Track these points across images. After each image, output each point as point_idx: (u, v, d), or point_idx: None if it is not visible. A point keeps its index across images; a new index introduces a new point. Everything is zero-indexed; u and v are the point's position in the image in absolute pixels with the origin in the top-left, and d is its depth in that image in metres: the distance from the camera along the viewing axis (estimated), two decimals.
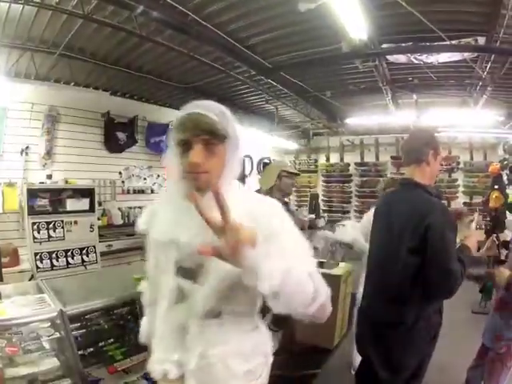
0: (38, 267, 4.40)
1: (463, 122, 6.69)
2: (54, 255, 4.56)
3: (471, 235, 1.96)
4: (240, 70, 5.17)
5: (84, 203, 4.96)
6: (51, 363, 1.82)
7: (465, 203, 8.49)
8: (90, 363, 2.05)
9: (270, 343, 1.25)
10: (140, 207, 6.13)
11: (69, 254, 4.70)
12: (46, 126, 5.10)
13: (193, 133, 1.06)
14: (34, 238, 4.45)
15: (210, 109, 1.10)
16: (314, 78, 5.73)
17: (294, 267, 0.89)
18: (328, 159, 10.44)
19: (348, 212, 10.03)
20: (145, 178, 6.55)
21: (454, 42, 3.91)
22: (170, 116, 6.64)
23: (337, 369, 3.43)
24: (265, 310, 1.21)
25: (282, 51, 4.67)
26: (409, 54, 4.47)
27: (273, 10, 3.62)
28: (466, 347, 2.78)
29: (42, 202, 4.60)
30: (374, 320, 1.93)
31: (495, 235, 3.29)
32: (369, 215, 3.02)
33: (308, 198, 9.91)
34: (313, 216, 8.16)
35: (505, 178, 7.00)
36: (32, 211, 4.49)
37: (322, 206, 10.10)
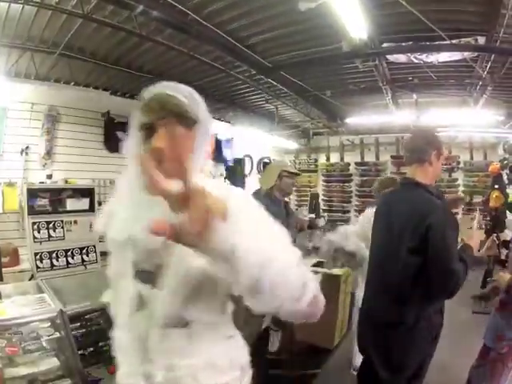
0: (38, 267, 4.40)
1: (463, 122, 6.68)
2: (54, 255, 4.55)
3: (473, 235, 1.96)
4: (240, 70, 5.17)
5: (84, 203, 4.96)
6: (51, 363, 1.83)
7: (465, 203, 8.48)
8: (89, 363, 2.05)
9: (246, 355, 1.11)
10: None
11: (69, 253, 4.70)
12: (45, 125, 5.10)
13: (158, 115, 0.94)
14: (34, 237, 4.45)
15: (178, 90, 0.98)
16: (314, 78, 5.73)
17: (275, 255, 0.74)
18: (328, 159, 10.45)
19: (348, 211, 10.04)
20: None
21: (454, 41, 3.91)
22: None
23: (337, 369, 3.43)
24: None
25: (282, 50, 4.67)
26: (409, 54, 4.47)
27: (273, 10, 3.62)
28: (467, 347, 2.78)
29: (42, 201, 4.60)
30: (375, 320, 1.93)
31: (495, 235, 3.29)
32: (365, 215, 3.02)
33: (308, 198, 9.92)
34: (313, 216, 8.15)
35: (505, 177, 7.00)
36: (32, 211, 4.48)
37: (322, 206, 10.10)
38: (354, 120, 7.61)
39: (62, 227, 4.68)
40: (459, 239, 1.82)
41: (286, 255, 0.80)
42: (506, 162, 7.42)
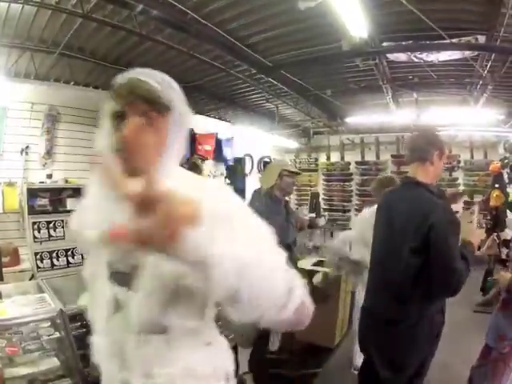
0: (38, 267, 4.39)
1: (464, 121, 6.68)
2: (54, 254, 4.54)
3: (474, 232, 1.95)
4: (240, 69, 5.16)
5: None
6: (51, 363, 1.82)
7: (465, 202, 8.48)
8: (90, 363, 2.05)
9: (231, 363, 1.04)
10: None
11: (69, 253, 4.68)
12: (45, 125, 5.09)
13: (127, 100, 0.88)
14: (35, 237, 4.44)
15: (151, 75, 0.93)
16: (314, 77, 5.72)
17: (256, 261, 0.69)
18: (328, 158, 10.44)
19: (348, 211, 10.03)
20: None
21: (454, 40, 3.91)
22: None
23: (338, 368, 3.43)
24: None
25: (282, 50, 4.66)
26: (409, 53, 4.46)
27: (273, 8, 3.62)
28: (468, 346, 2.78)
29: (42, 201, 4.59)
30: (376, 319, 1.93)
31: (496, 234, 3.29)
32: (363, 215, 3.01)
33: (308, 197, 9.92)
34: (313, 215, 8.16)
35: (505, 176, 6.99)
36: (32, 211, 4.47)
37: (322, 205, 10.10)
38: (355, 119, 7.60)
39: (63, 227, 4.66)
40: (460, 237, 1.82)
41: (270, 260, 0.73)
42: (506, 161, 7.40)
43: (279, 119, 7.70)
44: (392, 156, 9.43)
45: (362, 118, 7.49)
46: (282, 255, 0.78)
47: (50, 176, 5.00)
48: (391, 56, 4.65)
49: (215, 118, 7.98)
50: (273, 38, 4.33)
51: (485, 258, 4.88)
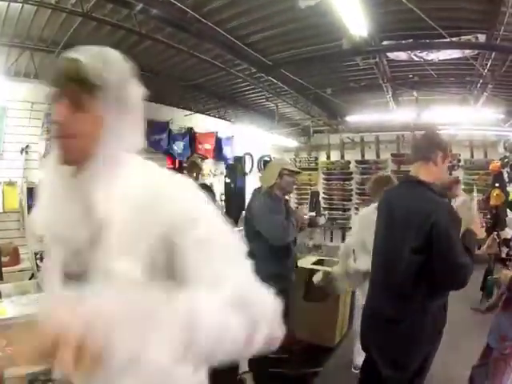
0: (38, 266, 4.39)
1: (464, 120, 6.68)
2: None
3: (473, 218, 1.94)
4: (240, 68, 5.16)
5: None
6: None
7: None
8: None
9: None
10: None
11: None
12: (45, 125, 5.07)
13: (57, 83, 0.80)
14: None
15: (84, 52, 0.81)
16: (314, 76, 5.72)
17: (200, 309, 0.64)
18: (328, 157, 10.44)
19: (348, 210, 10.02)
20: None
21: (454, 39, 3.90)
22: (170, 114, 6.64)
23: (338, 367, 3.42)
24: None
25: (282, 48, 4.66)
26: (409, 51, 4.45)
27: (273, 7, 3.61)
28: (468, 345, 2.78)
29: None
30: (378, 317, 1.93)
31: (496, 233, 3.28)
32: (360, 215, 3.00)
33: (308, 196, 9.92)
34: (313, 214, 8.16)
35: (505, 175, 6.99)
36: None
37: (322, 204, 10.09)
38: (355, 118, 7.60)
39: None
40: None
41: (225, 291, 0.69)
42: (506, 160, 7.39)
43: (279, 118, 7.69)
44: (392, 155, 9.43)
45: (362, 116, 7.48)
46: (246, 266, 0.76)
47: None
48: (391, 55, 4.65)
49: (215, 116, 7.98)
50: (273, 37, 4.32)
51: (485, 257, 4.88)
